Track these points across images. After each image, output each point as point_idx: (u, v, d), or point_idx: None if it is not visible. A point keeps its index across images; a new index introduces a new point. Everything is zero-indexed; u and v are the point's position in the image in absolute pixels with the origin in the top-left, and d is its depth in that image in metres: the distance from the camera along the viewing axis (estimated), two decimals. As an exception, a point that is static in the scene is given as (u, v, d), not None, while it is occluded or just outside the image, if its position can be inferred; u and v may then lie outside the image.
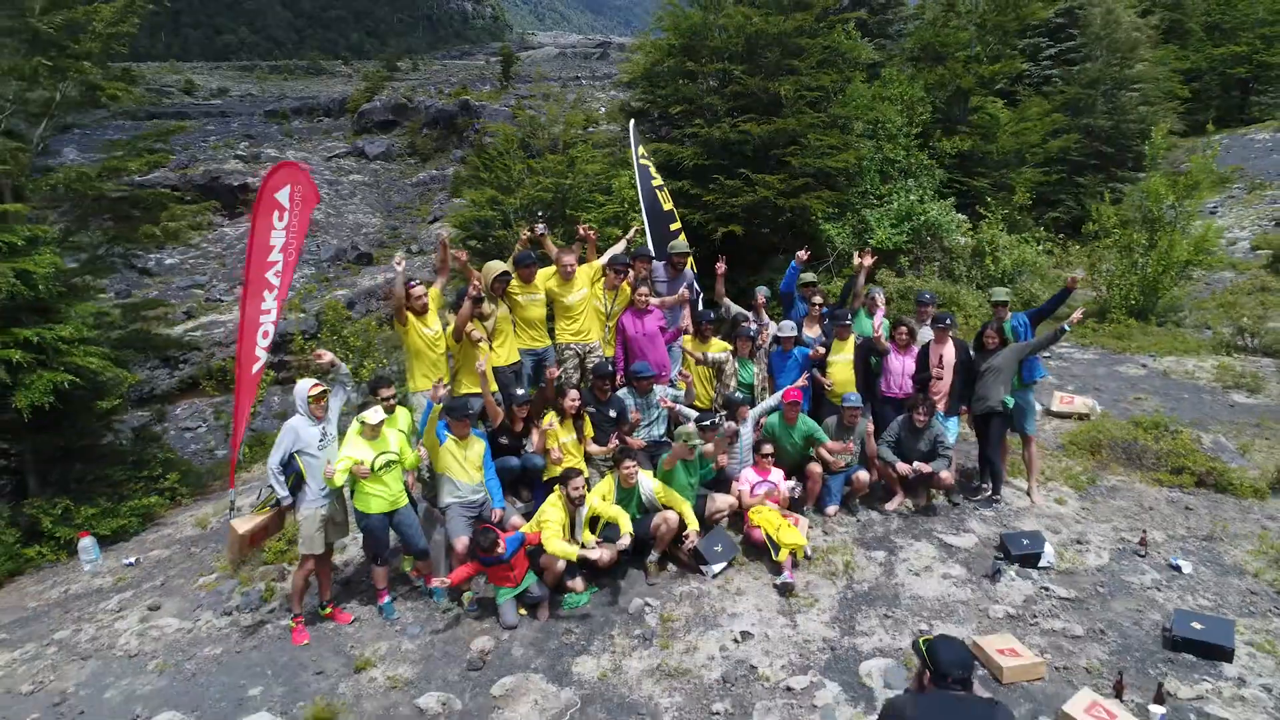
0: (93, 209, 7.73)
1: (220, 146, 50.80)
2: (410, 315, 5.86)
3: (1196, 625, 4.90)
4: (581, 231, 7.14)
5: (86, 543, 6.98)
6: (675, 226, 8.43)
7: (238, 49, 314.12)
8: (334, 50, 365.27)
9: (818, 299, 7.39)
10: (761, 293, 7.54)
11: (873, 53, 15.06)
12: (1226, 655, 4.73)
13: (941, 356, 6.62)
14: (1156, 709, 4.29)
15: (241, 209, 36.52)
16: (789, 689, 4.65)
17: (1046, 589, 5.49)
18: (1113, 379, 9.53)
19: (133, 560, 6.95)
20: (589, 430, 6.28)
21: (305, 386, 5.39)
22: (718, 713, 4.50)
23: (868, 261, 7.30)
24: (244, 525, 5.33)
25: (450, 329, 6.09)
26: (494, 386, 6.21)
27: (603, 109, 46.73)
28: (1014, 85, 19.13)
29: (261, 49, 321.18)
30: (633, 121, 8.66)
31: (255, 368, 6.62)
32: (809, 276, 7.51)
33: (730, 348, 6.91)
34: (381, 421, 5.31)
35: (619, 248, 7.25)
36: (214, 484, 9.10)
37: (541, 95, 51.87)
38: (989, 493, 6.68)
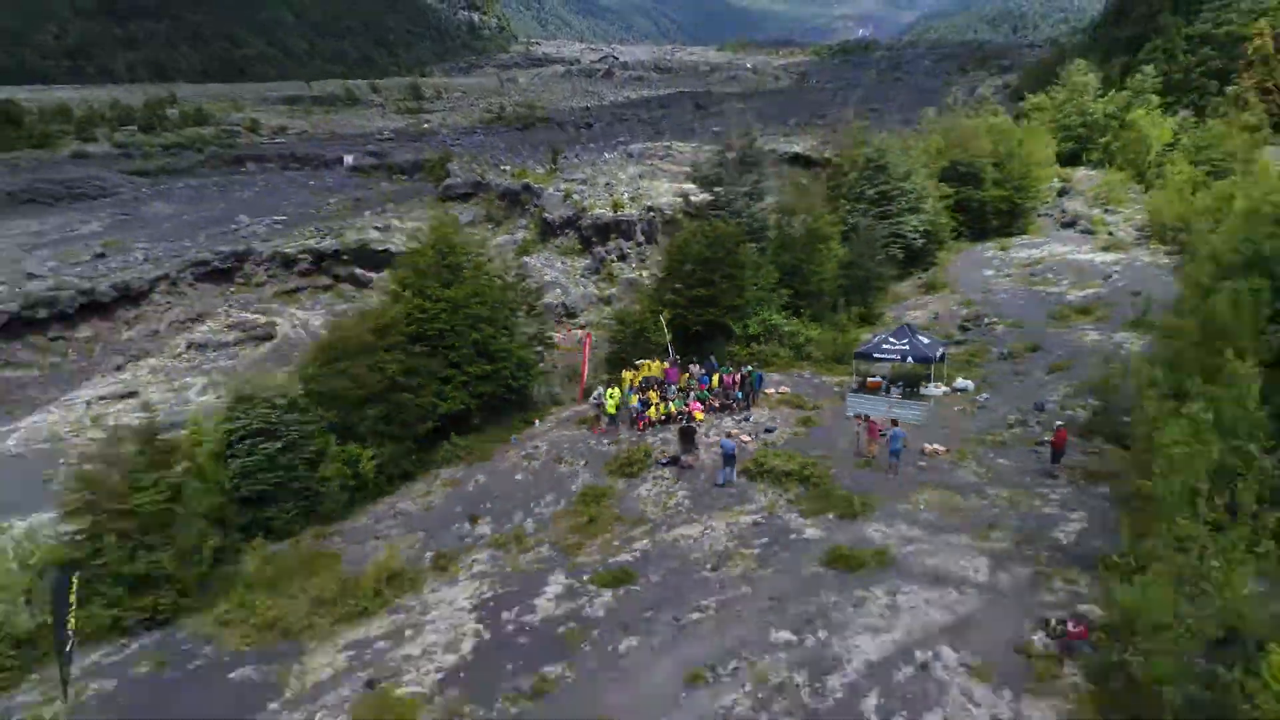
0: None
1: (345, 210, 70.61)
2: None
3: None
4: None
5: (518, 437, 28.09)
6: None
7: (255, 60, 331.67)
8: (344, 59, 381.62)
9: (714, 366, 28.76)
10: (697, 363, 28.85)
11: (756, 255, 36.28)
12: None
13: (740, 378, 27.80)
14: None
15: (385, 269, 56.91)
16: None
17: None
18: (811, 385, 30.58)
19: (540, 444, 28.10)
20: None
21: (601, 391, 26.64)
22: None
23: (694, 368, 28.77)
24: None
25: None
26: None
27: (626, 194, 67.24)
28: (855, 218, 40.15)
29: (276, 59, 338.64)
30: (663, 314, 29.70)
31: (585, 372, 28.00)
32: (713, 360, 28.87)
33: (688, 375, 28.25)
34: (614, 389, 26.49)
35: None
36: (540, 413, 30.17)
37: (581, 179, 72.62)
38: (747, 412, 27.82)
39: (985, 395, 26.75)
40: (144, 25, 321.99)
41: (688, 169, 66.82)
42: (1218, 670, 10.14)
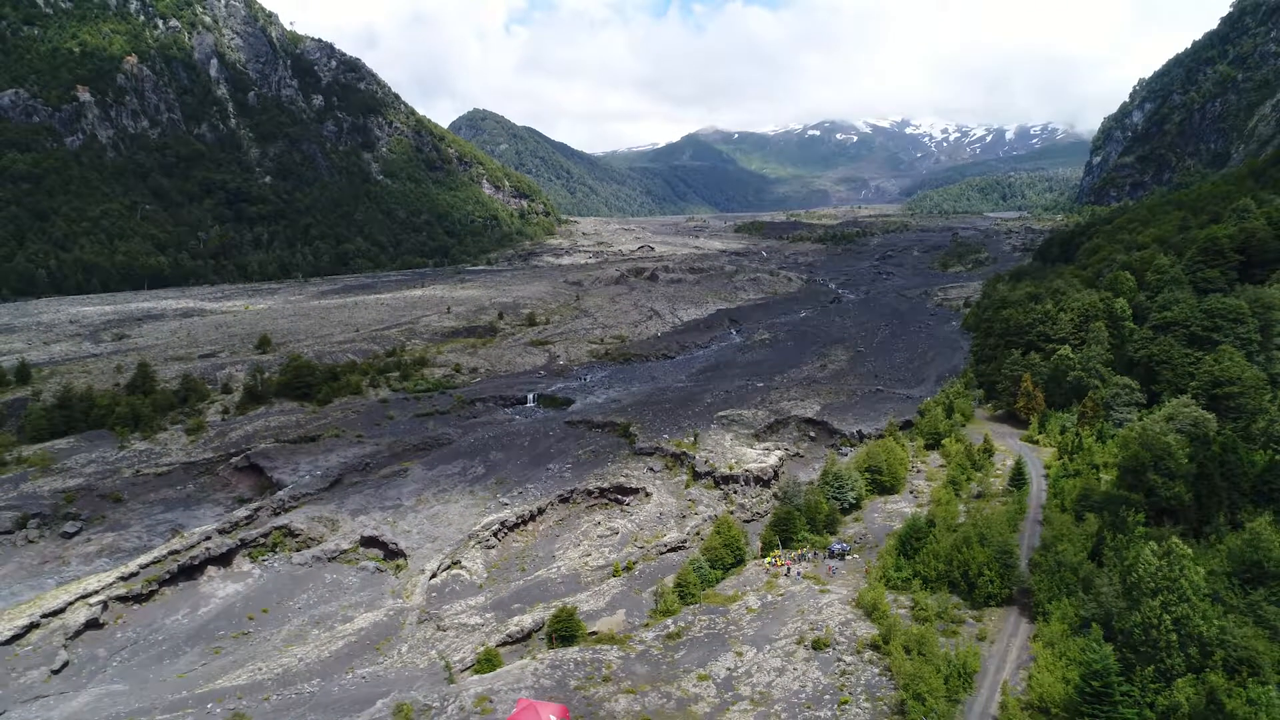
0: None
1: (591, 457, 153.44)
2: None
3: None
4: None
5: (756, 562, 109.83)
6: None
7: (355, 254, 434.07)
8: (423, 249, 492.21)
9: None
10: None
11: (799, 515, 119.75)
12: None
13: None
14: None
15: (630, 496, 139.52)
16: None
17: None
18: (813, 555, 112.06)
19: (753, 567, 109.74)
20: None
21: (765, 557, 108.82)
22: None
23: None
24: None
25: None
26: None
27: (733, 459, 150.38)
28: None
29: (372, 253, 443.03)
30: (775, 539, 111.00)
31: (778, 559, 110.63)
32: (795, 550, 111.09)
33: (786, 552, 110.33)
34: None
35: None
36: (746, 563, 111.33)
37: (710, 449, 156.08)
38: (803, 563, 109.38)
39: (854, 557, 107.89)
40: (268, 228, 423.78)
41: (752, 430, 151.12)
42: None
